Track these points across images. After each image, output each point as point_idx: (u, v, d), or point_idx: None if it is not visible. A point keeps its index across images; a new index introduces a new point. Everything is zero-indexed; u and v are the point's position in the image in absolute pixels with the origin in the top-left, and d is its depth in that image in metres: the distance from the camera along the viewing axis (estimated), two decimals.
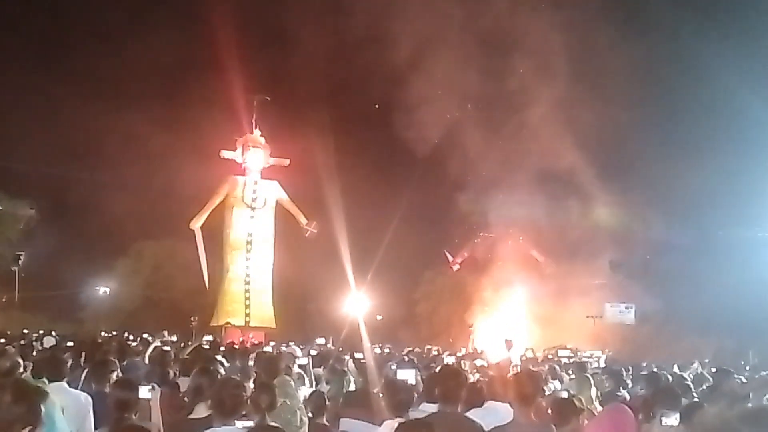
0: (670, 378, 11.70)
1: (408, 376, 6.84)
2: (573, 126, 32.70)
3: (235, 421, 5.55)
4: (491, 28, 33.32)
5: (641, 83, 32.74)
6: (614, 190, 33.61)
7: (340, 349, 19.58)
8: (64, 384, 6.84)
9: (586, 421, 6.76)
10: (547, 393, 9.01)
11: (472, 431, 6.00)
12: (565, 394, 7.84)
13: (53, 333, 22.88)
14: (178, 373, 9.94)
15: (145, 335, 18.43)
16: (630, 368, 14.80)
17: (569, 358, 25.42)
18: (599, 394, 9.75)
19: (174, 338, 17.22)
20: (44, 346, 14.64)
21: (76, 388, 7.15)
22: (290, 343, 16.83)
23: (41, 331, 22.83)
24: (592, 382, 9.92)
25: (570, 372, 13.28)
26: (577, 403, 6.64)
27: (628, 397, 9.82)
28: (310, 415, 8.04)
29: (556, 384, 11.88)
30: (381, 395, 5.98)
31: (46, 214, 34.76)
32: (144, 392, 6.28)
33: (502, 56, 34.09)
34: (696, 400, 8.08)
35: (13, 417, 3.88)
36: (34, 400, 3.97)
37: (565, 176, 33.98)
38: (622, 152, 33.77)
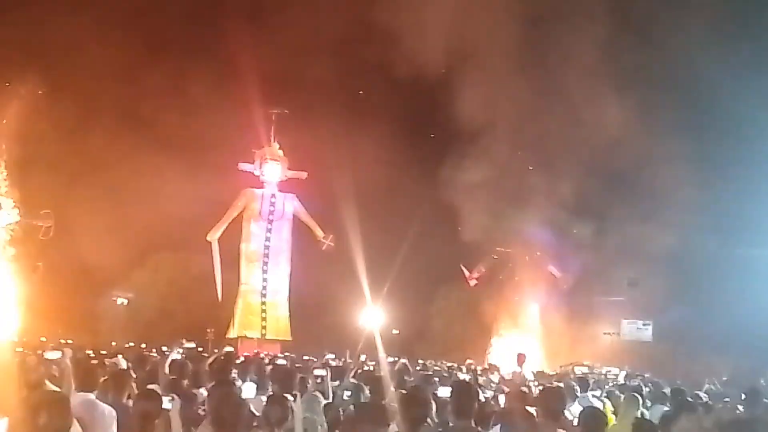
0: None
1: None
2: (591, 142, 32.61)
3: None
4: (514, 42, 33.47)
5: (659, 102, 32.50)
6: (633, 207, 33.52)
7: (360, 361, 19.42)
8: (91, 396, 6.78)
9: None
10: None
11: None
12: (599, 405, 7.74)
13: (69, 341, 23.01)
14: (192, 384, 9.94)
15: (164, 348, 18.35)
16: (650, 385, 14.74)
17: (585, 374, 25.47)
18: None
19: (192, 345, 17.12)
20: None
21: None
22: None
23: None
24: (640, 401, 9.75)
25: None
26: (605, 415, 6.51)
27: (647, 413, 9.74)
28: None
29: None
30: (395, 408, 5.96)
31: (64, 224, 34.76)
32: (165, 403, 6.30)
33: (520, 74, 33.99)
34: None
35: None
36: (62, 413, 4.00)
37: (583, 192, 34.04)
38: (641, 169, 33.70)
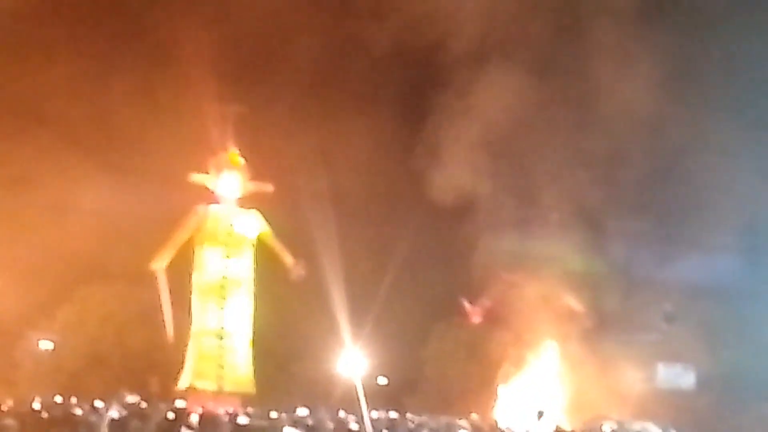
0: None
1: None
2: (618, 149, 33.12)
3: None
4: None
5: (707, 112, 32.81)
6: (670, 228, 33.78)
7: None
8: None
9: None
10: None
11: None
12: None
13: None
14: None
15: (97, 403, 17.88)
16: None
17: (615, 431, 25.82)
18: None
19: (135, 399, 16.81)
20: None
21: None
22: None
23: None
24: None
25: None
26: None
27: None
28: None
29: None
30: None
31: None
32: None
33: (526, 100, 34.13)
34: None
35: None
36: None
37: (609, 209, 34.43)
38: (680, 182, 34.27)
